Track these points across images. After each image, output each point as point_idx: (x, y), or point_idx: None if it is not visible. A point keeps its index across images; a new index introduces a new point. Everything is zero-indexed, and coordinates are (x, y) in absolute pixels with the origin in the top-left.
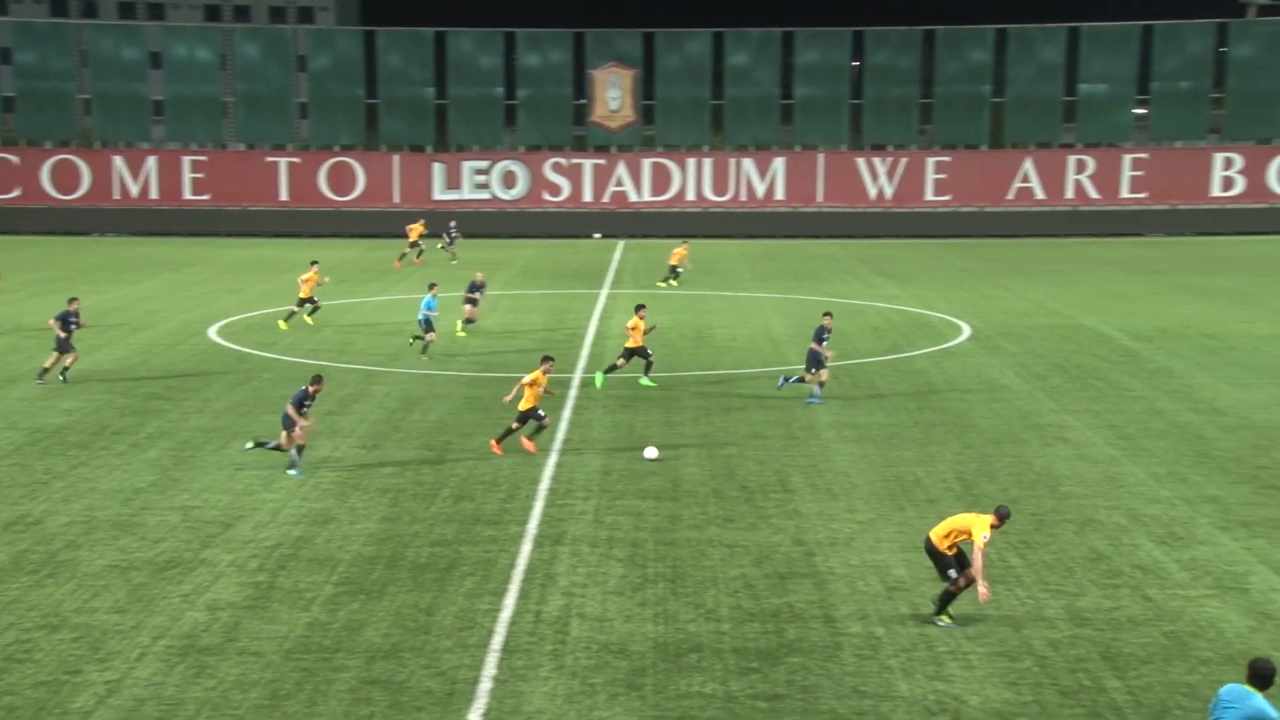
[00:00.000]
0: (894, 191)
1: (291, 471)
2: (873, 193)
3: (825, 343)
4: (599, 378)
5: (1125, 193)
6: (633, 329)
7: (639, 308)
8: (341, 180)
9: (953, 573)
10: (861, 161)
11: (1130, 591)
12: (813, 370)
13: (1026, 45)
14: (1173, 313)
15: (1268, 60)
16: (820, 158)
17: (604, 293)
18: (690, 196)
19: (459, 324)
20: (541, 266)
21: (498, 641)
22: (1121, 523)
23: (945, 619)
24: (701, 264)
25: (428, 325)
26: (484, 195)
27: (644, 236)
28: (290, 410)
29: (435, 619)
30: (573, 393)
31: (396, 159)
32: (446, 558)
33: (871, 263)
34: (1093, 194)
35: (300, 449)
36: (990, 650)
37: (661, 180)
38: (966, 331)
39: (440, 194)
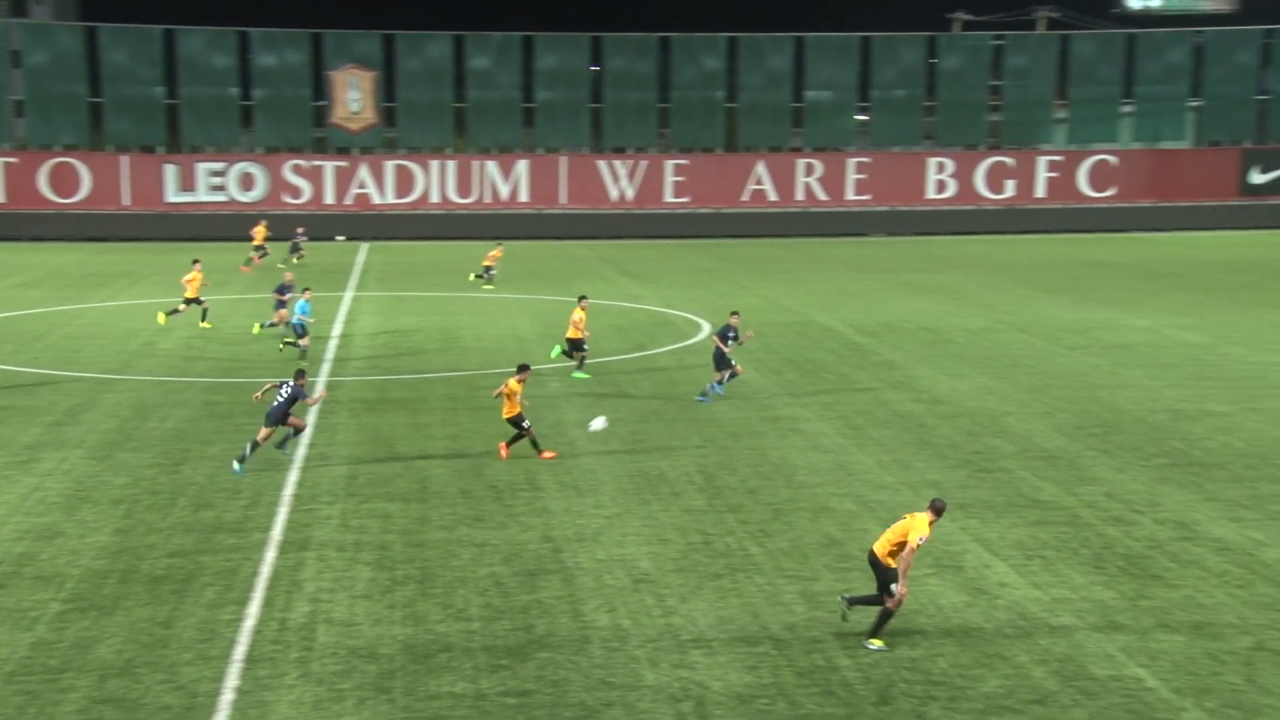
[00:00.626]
0: (635, 193)
1: (237, 467)
2: (614, 194)
3: (732, 343)
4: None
5: (850, 195)
6: (576, 321)
7: (581, 299)
8: (64, 181)
9: (894, 587)
10: (603, 164)
11: (860, 574)
12: (720, 370)
13: (756, 53)
14: (895, 308)
15: (972, 71)
16: (563, 160)
17: (348, 295)
18: (434, 199)
19: (257, 325)
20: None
21: (240, 652)
22: (852, 509)
23: (877, 643)
24: (446, 266)
25: (302, 330)
26: (221, 198)
27: (388, 239)
28: (275, 408)
29: (173, 632)
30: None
31: (125, 160)
32: (185, 568)
33: (614, 263)
34: (821, 196)
35: (254, 446)
36: (731, 636)
37: (405, 182)
38: (706, 329)
39: (173, 196)
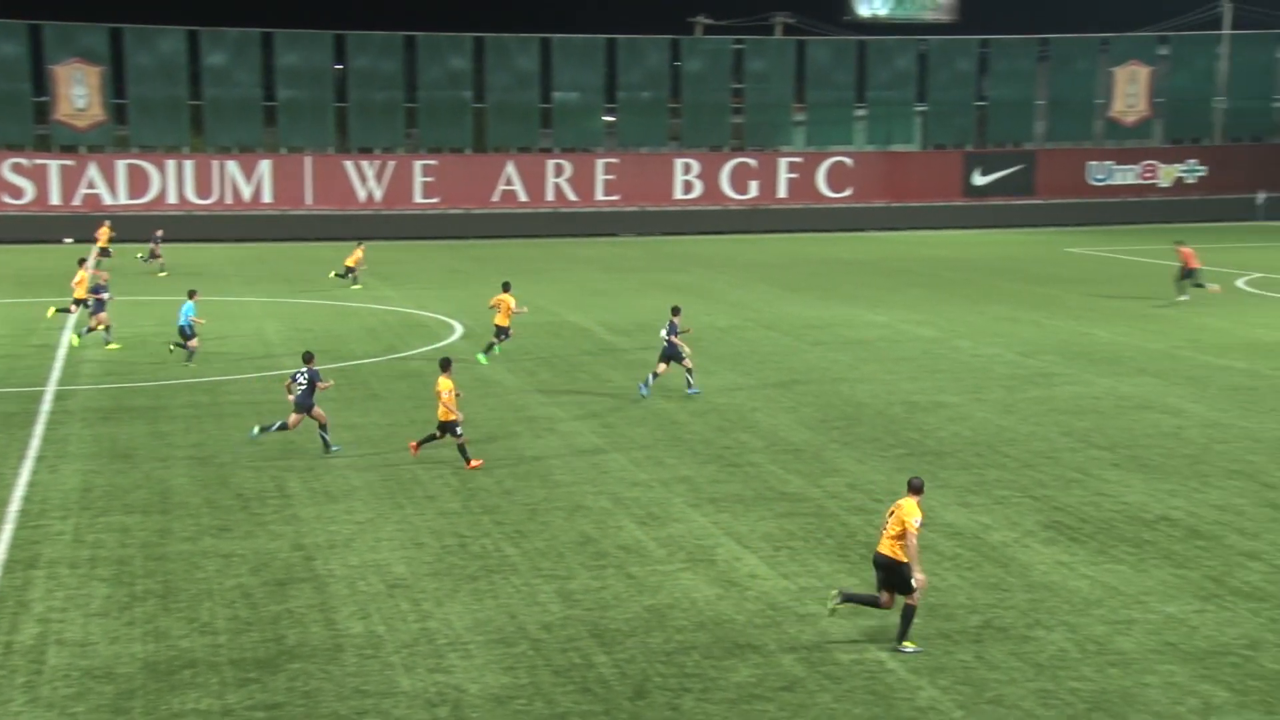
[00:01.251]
0: (383, 194)
1: (335, 448)
2: (362, 195)
3: (677, 335)
4: (482, 358)
5: (600, 195)
6: (497, 304)
7: (506, 286)
8: None
9: (915, 580)
10: (350, 164)
11: (615, 571)
12: (666, 363)
13: (503, 53)
14: (646, 307)
15: (714, 74)
16: (308, 160)
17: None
18: (171, 199)
19: (76, 337)
20: (4, 273)
21: None
22: (607, 507)
23: (911, 645)
24: (185, 268)
25: (191, 332)
26: None
27: (123, 241)
28: (304, 395)
29: None
30: (45, 407)
31: None
32: None
33: (364, 264)
34: (571, 196)
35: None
36: (488, 638)
37: (139, 182)
38: (459, 330)
39: None
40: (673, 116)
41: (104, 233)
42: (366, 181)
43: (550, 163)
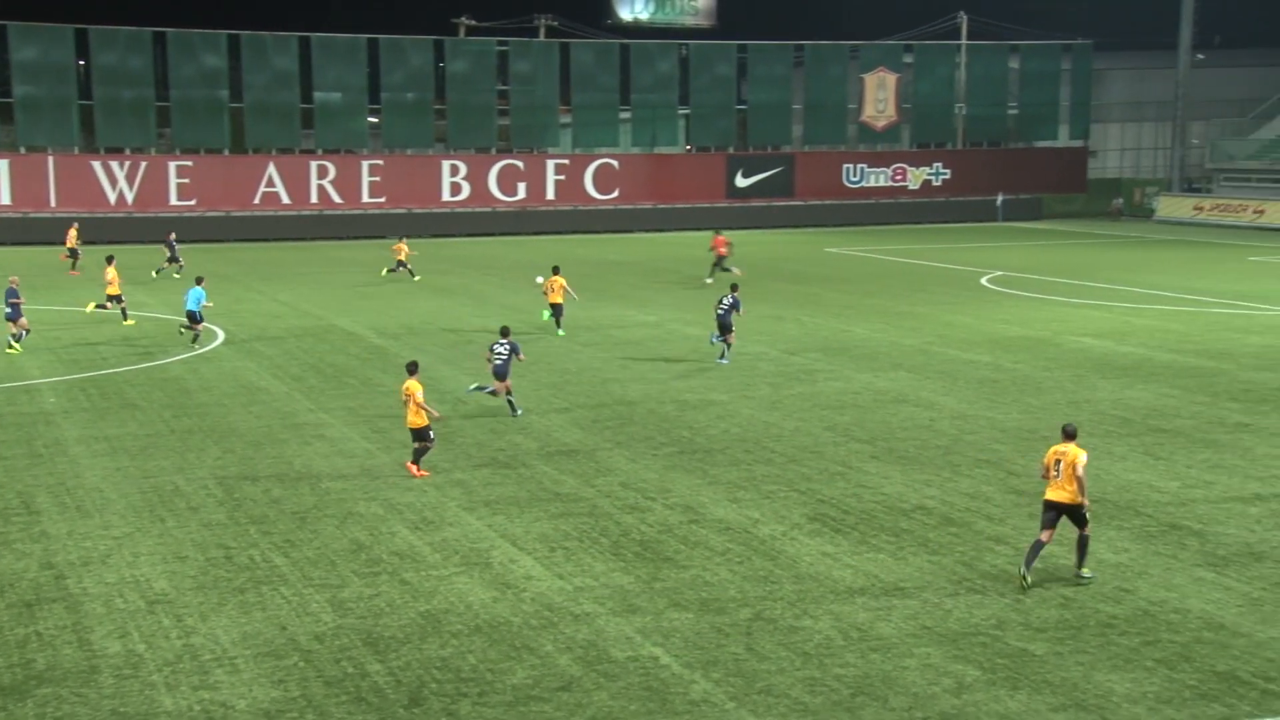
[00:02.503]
0: (135, 195)
1: (519, 411)
2: (112, 197)
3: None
4: (561, 332)
5: (366, 197)
6: (551, 286)
7: (556, 269)
8: None
9: (1086, 512)
10: (97, 164)
11: (389, 577)
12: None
13: (260, 52)
14: (416, 310)
15: (479, 76)
16: (50, 160)
17: None
18: None
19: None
20: None
21: None
22: (379, 512)
23: (1089, 571)
24: None
25: (200, 316)
26: None
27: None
28: (502, 365)
29: None
30: None
31: None
32: None
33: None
34: (336, 199)
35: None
36: (257, 652)
37: None
38: (221, 336)
39: None
40: (438, 118)
41: (72, 234)
42: (117, 183)
43: (313, 164)
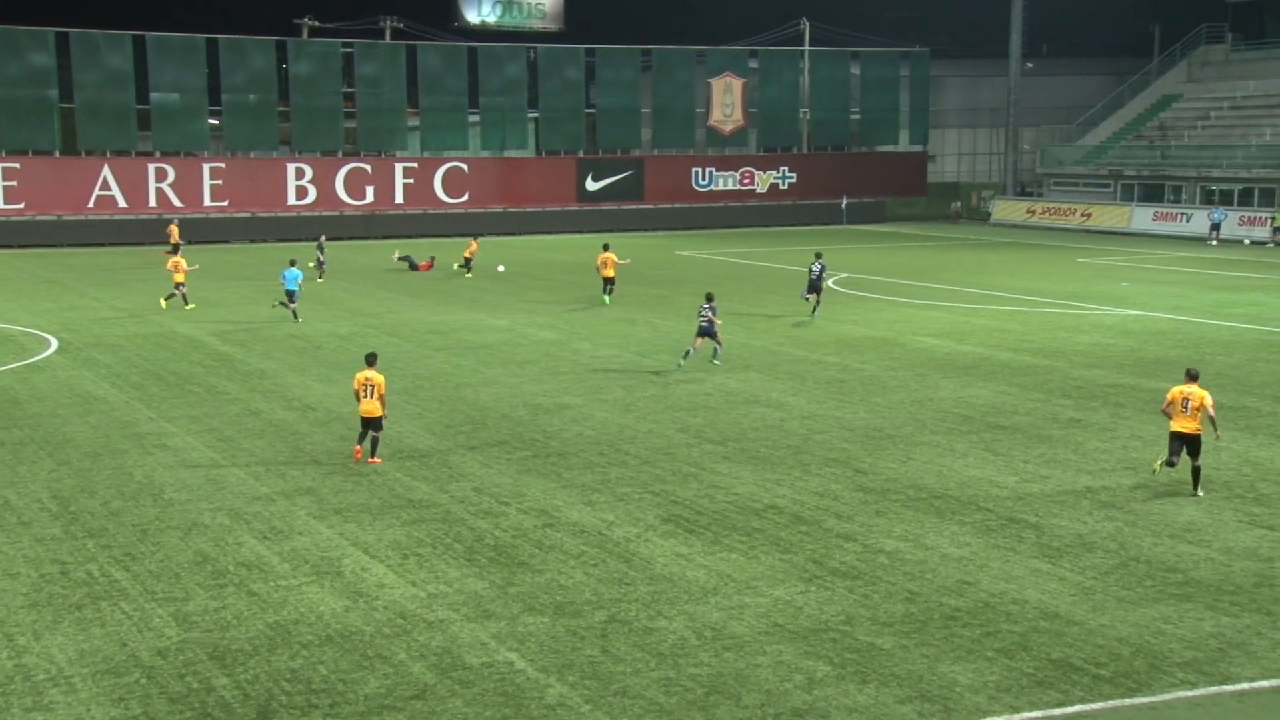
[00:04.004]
0: None
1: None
2: None
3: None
4: (604, 300)
5: (207, 201)
6: (604, 262)
7: (606, 246)
8: None
9: (1218, 435)
10: None
11: (236, 589)
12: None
13: (91, 51)
14: (260, 316)
15: (324, 77)
16: None
17: None
18: None
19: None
20: None
21: None
22: (226, 523)
23: (1201, 490)
24: None
25: (292, 296)
26: None
27: None
28: (707, 325)
29: None
30: None
31: None
32: None
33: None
34: (176, 202)
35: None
36: (96, 670)
37: None
38: (54, 344)
39: None
40: (283, 120)
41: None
42: None
43: (151, 167)
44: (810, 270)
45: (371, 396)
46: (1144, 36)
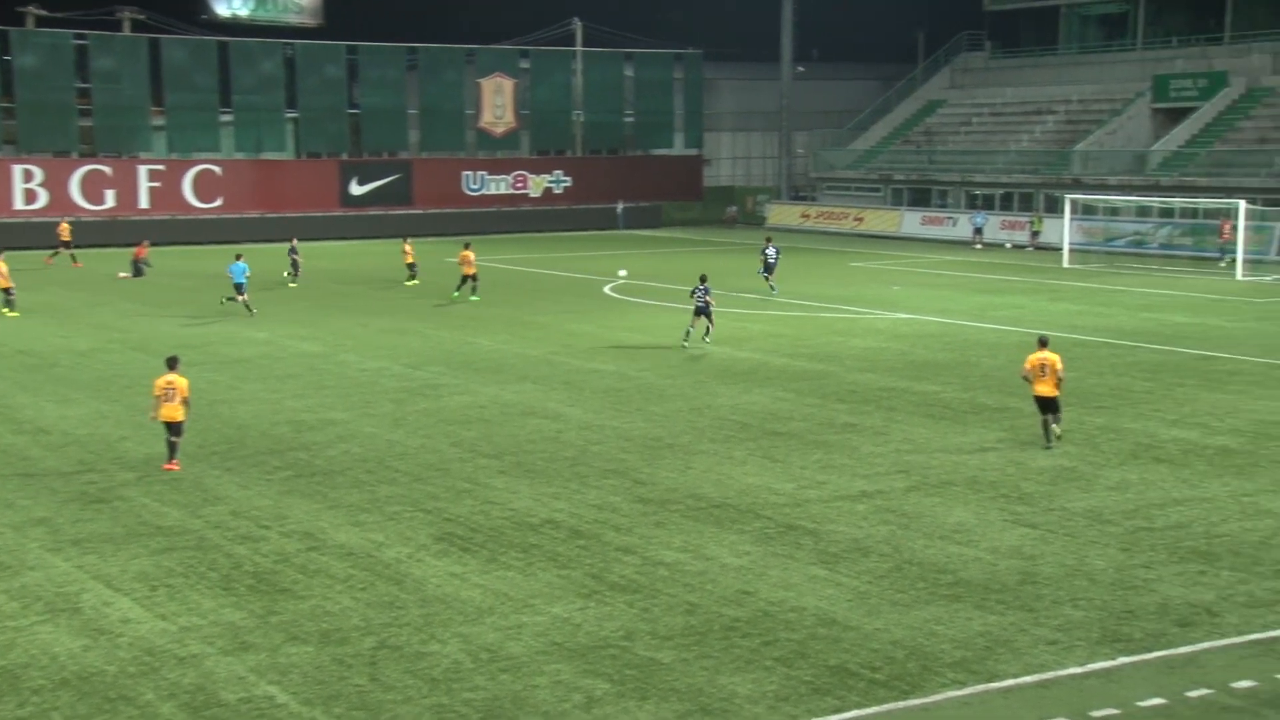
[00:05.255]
0: None
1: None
2: None
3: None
4: (471, 299)
5: None
6: (463, 260)
7: (467, 245)
8: None
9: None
10: None
11: None
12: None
13: None
14: None
15: (55, 72)
16: None
17: None
18: None
19: None
20: None
21: None
22: None
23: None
24: None
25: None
26: None
27: None
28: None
29: None
30: None
31: None
32: None
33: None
34: None
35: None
36: None
37: None
38: None
39: None
40: (6, 117)
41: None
42: None
43: None
44: (765, 255)
45: (174, 400)
46: (909, 43)
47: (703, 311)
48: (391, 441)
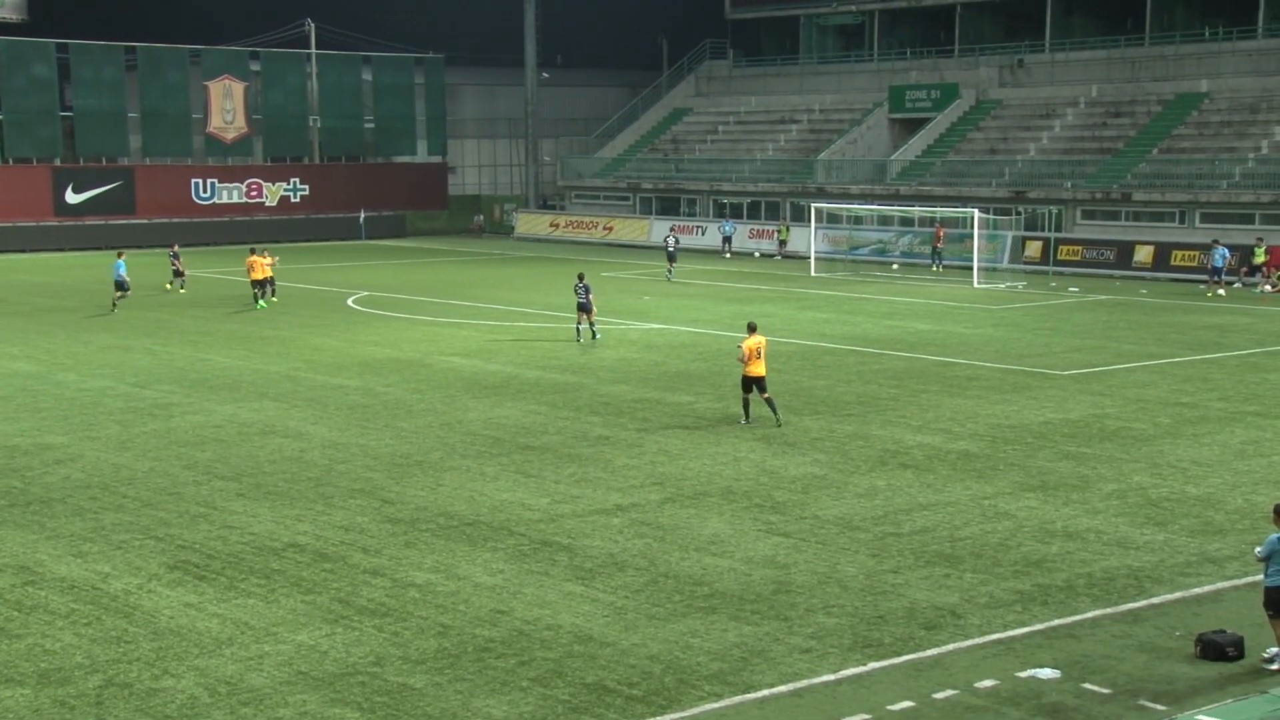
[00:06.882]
0: None
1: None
2: None
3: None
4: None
5: None
6: (251, 265)
7: (252, 250)
8: None
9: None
10: None
11: None
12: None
13: None
14: None
15: None
16: None
17: None
18: None
19: None
20: None
21: None
22: None
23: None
24: None
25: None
26: None
27: None
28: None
29: None
30: None
31: None
32: None
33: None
34: None
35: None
36: None
37: None
38: None
39: None
40: None
41: None
42: None
43: None
44: (667, 243)
45: None
46: (654, 49)
47: (584, 308)
48: (118, 465)
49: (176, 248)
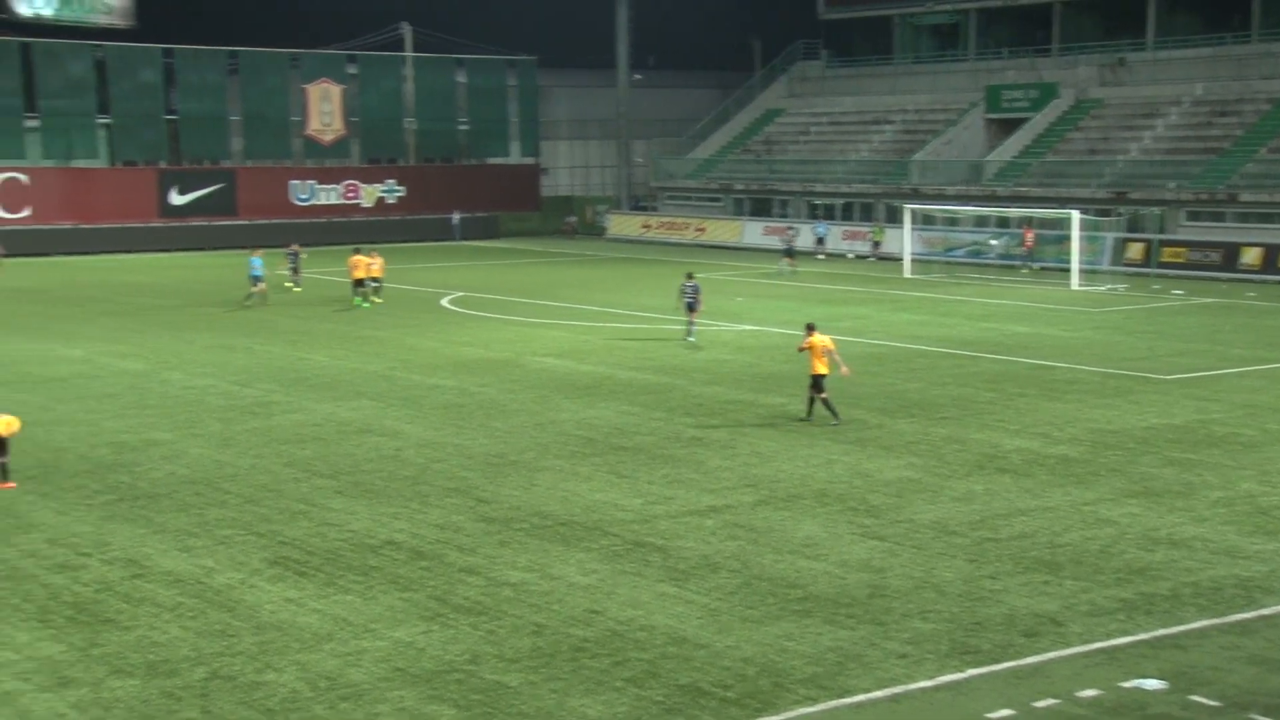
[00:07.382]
0: None
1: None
2: None
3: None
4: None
5: None
6: (354, 265)
7: (357, 249)
8: None
9: (844, 371)
10: None
11: None
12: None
13: None
14: None
15: None
16: None
17: None
18: None
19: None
20: None
21: None
22: None
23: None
24: None
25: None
26: None
27: None
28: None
29: None
30: None
31: None
32: None
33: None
34: None
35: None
36: None
37: None
38: None
39: None
40: None
41: None
42: None
43: None
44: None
45: None
46: (746, 51)
47: (692, 307)
48: (220, 462)
49: (296, 247)
